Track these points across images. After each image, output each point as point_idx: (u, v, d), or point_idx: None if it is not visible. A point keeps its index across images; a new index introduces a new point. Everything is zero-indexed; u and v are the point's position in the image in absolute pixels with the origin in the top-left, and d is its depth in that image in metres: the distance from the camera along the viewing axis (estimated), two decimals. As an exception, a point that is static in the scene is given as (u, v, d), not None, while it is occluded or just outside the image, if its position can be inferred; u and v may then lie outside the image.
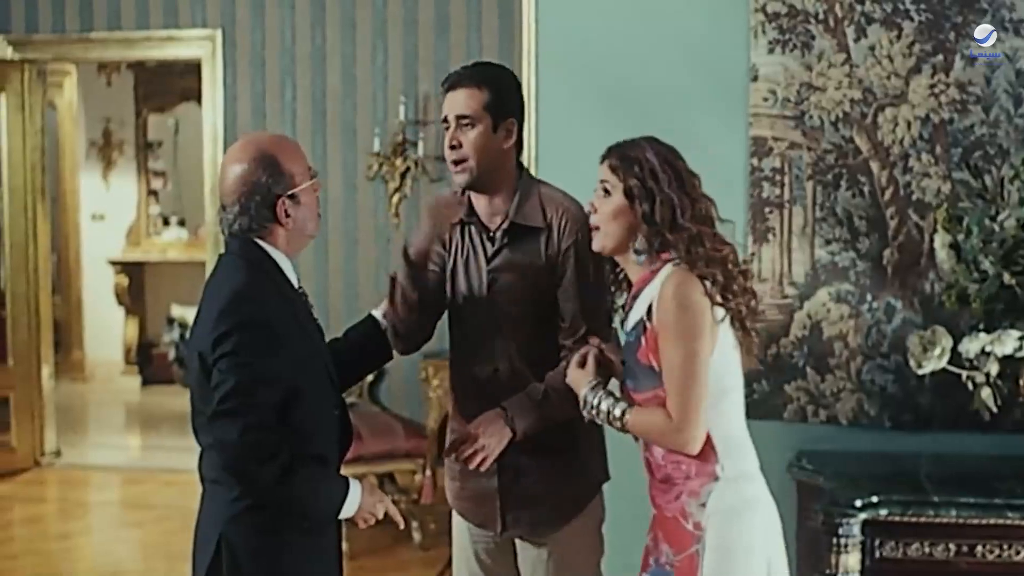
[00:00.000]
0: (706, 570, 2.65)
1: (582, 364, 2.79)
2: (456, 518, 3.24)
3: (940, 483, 3.57)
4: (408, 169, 6.88)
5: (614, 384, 2.81)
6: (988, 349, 3.47)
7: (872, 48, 3.90)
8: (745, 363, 2.77)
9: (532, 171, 3.18)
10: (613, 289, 2.89)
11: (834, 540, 3.41)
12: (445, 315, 3.16)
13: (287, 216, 2.66)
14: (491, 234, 3.03)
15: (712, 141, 3.91)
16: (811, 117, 3.94)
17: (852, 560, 3.41)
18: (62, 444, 7.75)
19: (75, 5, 7.30)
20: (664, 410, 2.64)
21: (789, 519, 3.71)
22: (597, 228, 2.76)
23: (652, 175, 2.67)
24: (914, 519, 3.44)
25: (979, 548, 3.42)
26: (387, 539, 5.84)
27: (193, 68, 7.77)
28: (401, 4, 6.86)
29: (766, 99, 3.97)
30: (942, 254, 3.64)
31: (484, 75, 2.99)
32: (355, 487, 2.67)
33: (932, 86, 3.88)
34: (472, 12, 6.79)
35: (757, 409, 3.95)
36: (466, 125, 2.94)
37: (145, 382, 10.19)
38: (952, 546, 3.43)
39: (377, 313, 3.06)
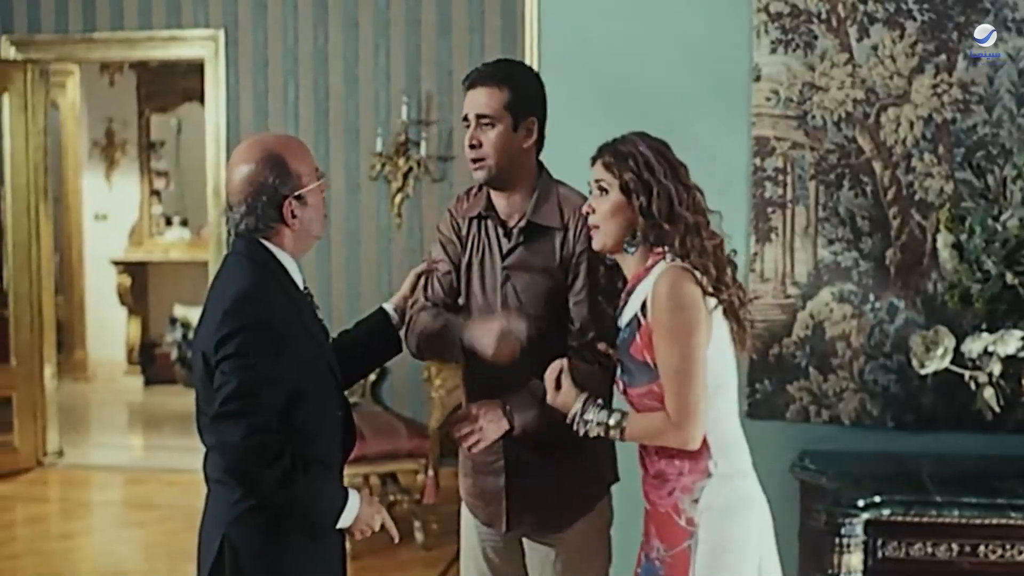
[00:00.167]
0: (698, 566, 2.66)
1: (558, 386, 2.80)
2: (465, 516, 3.24)
3: (943, 483, 3.57)
4: (411, 169, 6.88)
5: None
6: (991, 349, 3.46)
7: (875, 48, 3.90)
8: (738, 354, 2.78)
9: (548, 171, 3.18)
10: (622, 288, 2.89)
11: (837, 540, 3.41)
12: None
13: (293, 217, 2.65)
14: (508, 230, 3.04)
15: (714, 141, 3.91)
16: (814, 117, 3.94)
17: (855, 560, 3.41)
18: (64, 444, 7.76)
19: (78, 5, 7.31)
20: (661, 412, 2.66)
21: (792, 519, 3.72)
22: (596, 227, 2.76)
23: (647, 167, 2.68)
24: (917, 519, 3.43)
25: (982, 548, 3.42)
26: (389, 539, 5.82)
27: (196, 68, 7.78)
28: (403, 4, 6.87)
29: (768, 99, 3.96)
30: (945, 254, 3.64)
31: (505, 74, 2.99)
32: (354, 497, 2.66)
33: (935, 86, 3.87)
34: (474, 12, 6.79)
35: (760, 409, 3.96)
36: (486, 124, 2.95)
37: (148, 382, 10.20)
38: (955, 546, 3.43)
39: (388, 306, 3.06)
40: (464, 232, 3.10)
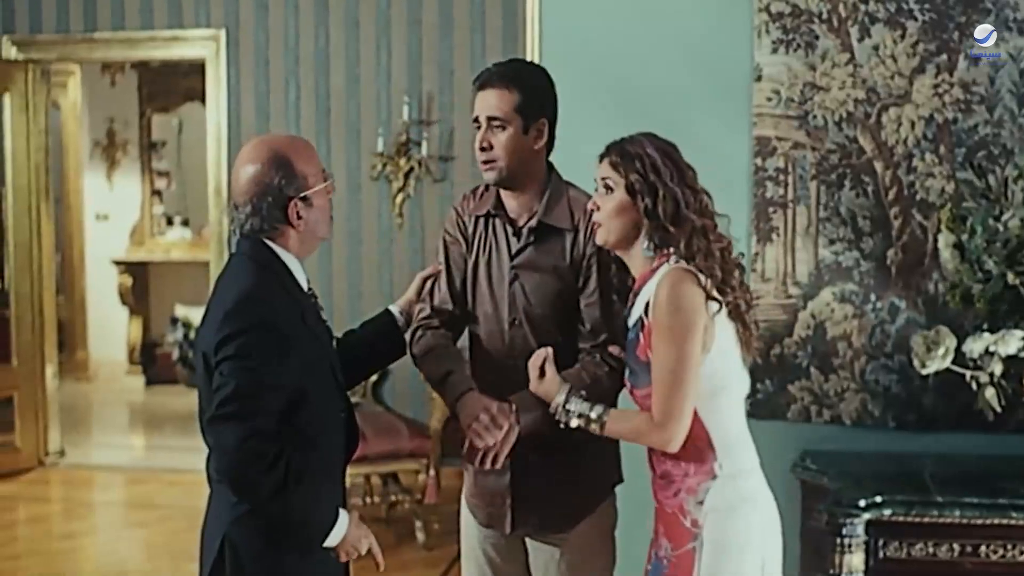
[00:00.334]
0: (703, 567, 2.67)
1: (542, 375, 2.80)
2: (465, 517, 3.24)
3: (944, 483, 3.57)
4: (412, 169, 6.88)
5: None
6: (992, 349, 3.46)
7: (876, 48, 3.90)
8: (744, 357, 2.78)
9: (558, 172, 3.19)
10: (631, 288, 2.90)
11: (838, 540, 3.41)
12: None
13: (299, 218, 2.64)
14: (517, 229, 3.04)
15: (716, 141, 3.91)
16: (815, 117, 3.94)
17: (856, 560, 3.41)
18: (66, 444, 7.76)
19: (79, 5, 7.31)
20: (645, 412, 2.67)
21: (793, 519, 3.72)
22: (600, 224, 2.77)
23: (654, 169, 2.68)
24: (918, 519, 3.43)
25: (983, 548, 3.42)
26: (391, 539, 5.85)
27: (197, 68, 7.79)
28: (405, 4, 6.87)
29: (770, 99, 3.96)
30: (946, 254, 3.64)
31: (516, 75, 2.99)
32: (343, 518, 2.64)
33: (936, 86, 3.87)
34: (476, 12, 6.79)
35: (761, 409, 3.96)
36: (497, 126, 2.94)
37: (149, 382, 10.20)
38: (956, 546, 3.43)
39: (394, 309, 3.06)
40: (471, 230, 3.10)
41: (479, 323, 3.10)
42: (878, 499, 3.44)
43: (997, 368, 3.47)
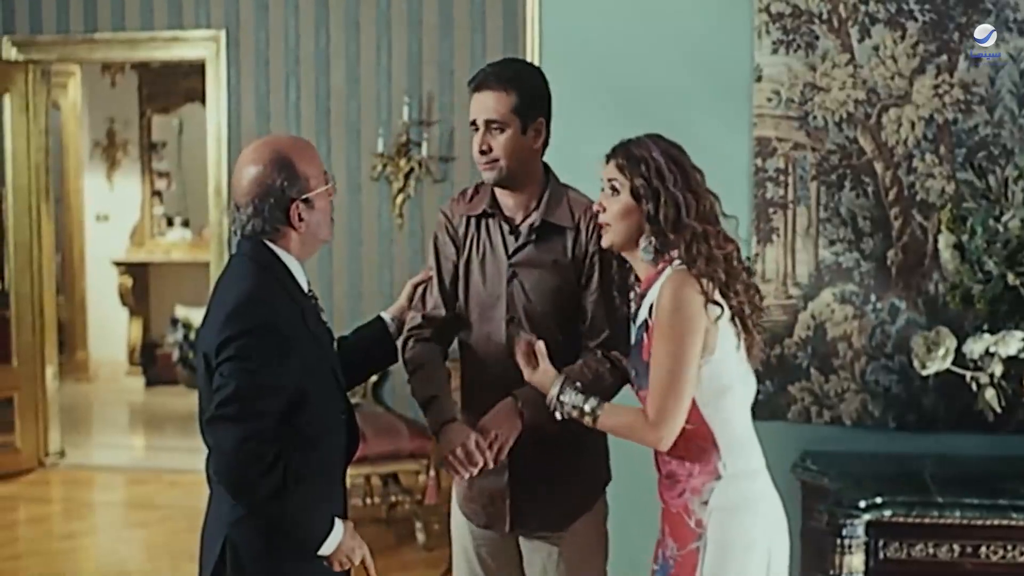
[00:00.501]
0: (706, 567, 2.68)
1: (534, 365, 2.81)
2: (456, 522, 3.24)
3: (944, 484, 3.57)
4: (412, 170, 6.88)
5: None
6: (992, 350, 3.46)
7: (876, 48, 3.90)
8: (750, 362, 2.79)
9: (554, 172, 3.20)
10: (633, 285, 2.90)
11: (838, 541, 3.41)
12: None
13: (300, 220, 2.64)
14: (514, 228, 3.04)
15: (716, 141, 3.91)
16: (815, 117, 3.94)
17: (856, 561, 3.41)
18: (66, 444, 7.76)
19: (79, 6, 7.30)
20: (639, 408, 2.69)
21: (793, 520, 3.69)
22: (607, 226, 2.78)
23: (658, 174, 2.69)
24: (918, 520, 3.43)
25: (983, 549, 3.42)
26: (391, 539, 5.85)
27: (197, 69, 7.78)
28: (405, 5, 6.87)
29: (770, 99, 3.97)
30: (946, 255, 3.64)
31: (512, 76, 2.98)
32: (338, 527, 2.63)
33: (936, 86, 3.87)
34: (476, 13, 6.79)
35: (761, 410, 3.94)
36: (495, 129, 2.95)
37: (149, 383, 10.20)
38: (956, 547, 3.43)
39: (386, 316, 3.07)
40: (462, 232, 3.11)
41: (474, 325, 3.10)
42: (878, 500, 3.44)
43: (997, 369, 3.47)
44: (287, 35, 7.03)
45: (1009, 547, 3.41)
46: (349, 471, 2.82)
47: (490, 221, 3.07)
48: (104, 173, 10.55)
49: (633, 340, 2.80)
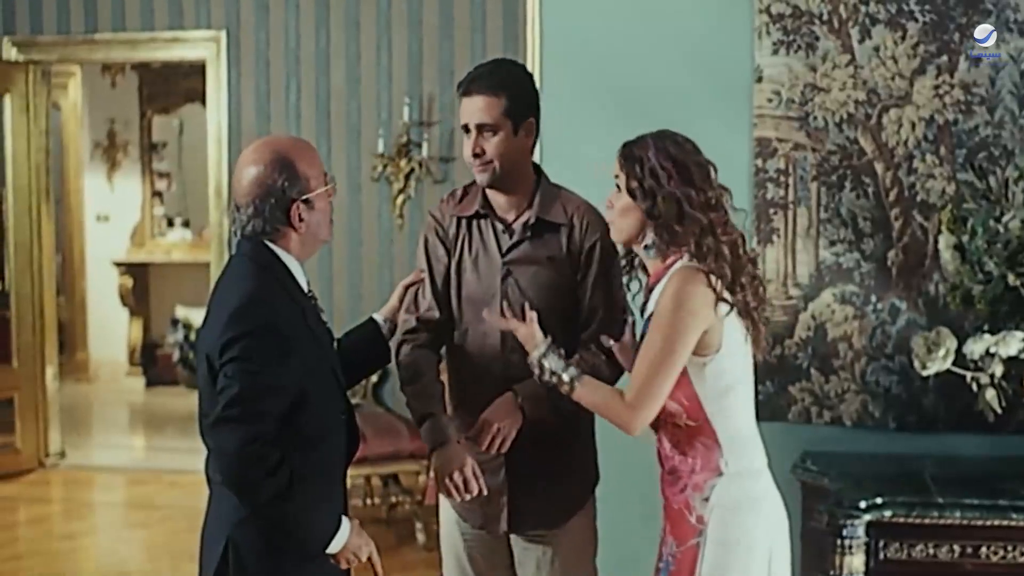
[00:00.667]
0: (706, 564, 2.69)
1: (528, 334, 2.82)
2: (445, 523, 3.26)
3: (944, 484, 3.57)
4: (412, 170, 6.88)
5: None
6: (992, 350, 3.46)
7: (876, 49, 3.90)
8: (756, 354, 2.81)
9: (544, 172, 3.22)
10: (628, 276, 2.92)
11: (838, 541, 3.41)
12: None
13: (300, 220, 2.64)
14: (508, 227, 3.06)
15: (716, 142, 3.86)
16: (815, 118, 3.94)
17: (856, 561, 3.41)
18: (66, 445, 7.76)
19: (80, 6, 7.30)
20: (617, 389, 2.72)
21: (793, 520, 3.70)
22: (612, 222, 2.81)
23: (652, 174, 2.70)
24: (918, 520, 3.43)
25: (983, 549, 3.42)
26: (392, 540, 5.84)
27: (197, 69, 7.78)
28: (405, 5, 6.87)
29: (770, 100, 3.97)
30: (946, 255, 3.64)
31: (501, 79, 3.01)
32: (345, 525, 2.64)
33: (936, 87, 3.87)
34: (476, 13, 6.79)
35: (762, 410, 3.93)
36: (488, 132, 2.97)
37: (149, 383, 10.20)
38: (956, 547, 3.43)
39: (378, 317, 3.07)
40: (453, 232, 3.13)
41: (469, 324, 3.11)
42: (879, 500, 3.44)
43: (998, 369, 3.47)
44: (287, 35, 7.03)
45: (1009, 547, 3.41)
46: (349, 471, 2.82)
47: (482, 221, 3.10)
48: (104, 173, 10.55)
49: (640, 333, 2.81)
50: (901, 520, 3.44)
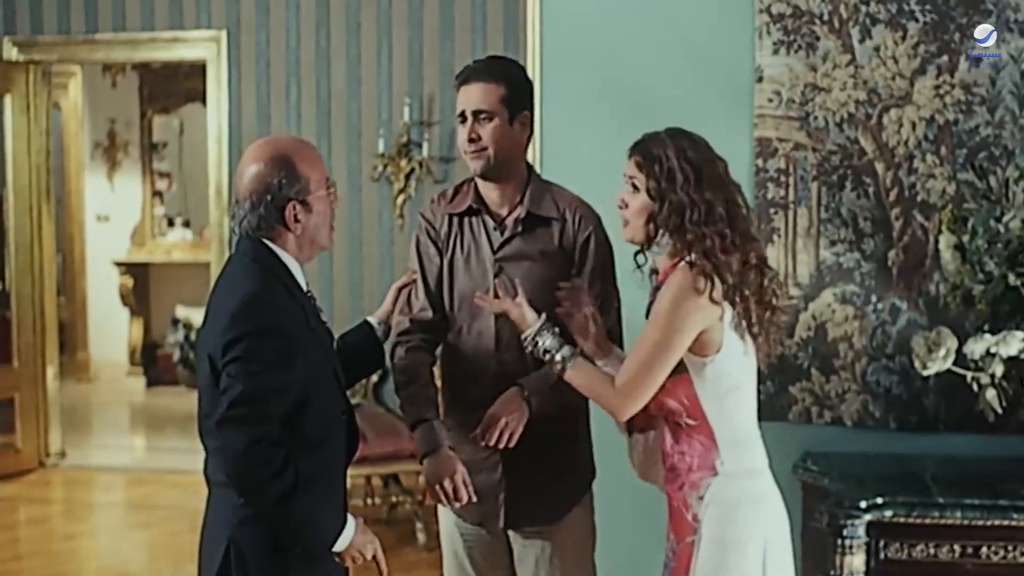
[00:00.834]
0: (699, 562, 2.71)
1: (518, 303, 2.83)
2: (445, 523, 3.27)
3: (945, 484, 3.57)
4: (413, 170, 6.88)
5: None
6: (993, 350, 3.46)
7: (877, 49, 3.90)
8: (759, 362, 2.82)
9: (536, 170, 3.26)
10: (641, 275, 2.93)
11: (839, 541, 3.41)
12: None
13: (296, 221, 2.64)
14: (500, 223, 3.08)
15: (716, 142, 3.86)
16: (816, 118, 3.94)
17: (857, 561, 3.41)
18: (67, 445, 7.77)
19: (80, 6, 7.31)
20: (609, 376, 2.73)
21: (794, 520, 3.70)
22: (627, 221, 2.79)
23: (669, 176, 2.69)
24: (919, 520, 3.43)
25: (984, 549, 3.42)
26: (392, 540, 5.85)
27: (198, 69, 7.80)
28: (406, 5, 6.87)
29: (771, 100, 3.96)
30: (947, 255, 3.64)
31: (498, 69, 3.06)
32: (350, 523, 2.65)
33: (937, 87, 3.87)
34: (477, 13, 6.80)
35: (762, 410, 3.92)
36: (484, 119, 3.01)
37: (150, 383, 10.20)
38: (957, 547, 3.42)
39: (373, 320, 3.08)
40: (445, 231, 3.15)
41: (463, 322, 3.12)
42: (879, 500, 3.44)
43: (998, 369, 3.47)
44: (288, 36, 7.03)
45: (1010, 547, 3.41)
46: (350, 472, 2.83)
47: (473, 219, 3.12)
48: (105, 173, 10.55)
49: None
50: (902, 520, 3.43)
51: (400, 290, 3.11)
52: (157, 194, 10.63)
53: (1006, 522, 3.40)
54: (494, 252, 3.08)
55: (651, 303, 2.82)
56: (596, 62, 4.08)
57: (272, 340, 2.51)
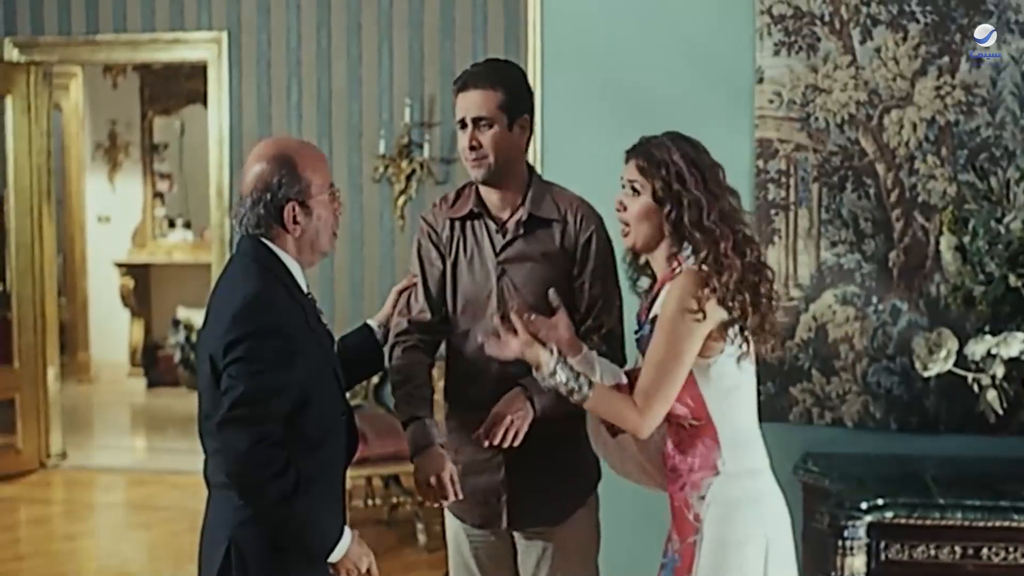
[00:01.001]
0: (701, 561, 2.72)
1: (525, 338, 2.78)
2: (451, 525, 3.26)
3: (946, 485, 3.57)
4: (413, 171, 6.89)
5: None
6: (994, 351, 3.46)
7: (878, 50, 3.90)
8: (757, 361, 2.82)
9: (537, 171, 3.26)
10: (635, 278, 2.92)
11: (840, 542, 3.41)
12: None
13: (295, 222, 2.64)
14: (501, 226, 3.08)
15: (717, 143, 3.86)
16: (816, 119, 3.94)
17: (858, 562, 3.41)
18: (68, 446, 7.77)
19: (81, 7, 7.31)
20: (628, 395, 2.71)
21: (794, 521, 3.70)
22: (627, 226, 2.78)
23: (679, 178, 2.69)
24: (920, 521, 3.43)
25: (985, 550, 3.42)
26: (393, 540, 5.85)
27: (199, 70, 7.80)
28: (407, 6, 6.87)
29: (772, 101, 3.96)
30: (948, 256, 3.64)
31: (497, 75, 3.05)
32: (347, 534, 2.64)
33: (938, 88, 3.87)
34: (478, 14, 6.80)
35: (763, 411, 3.91)
36: (484, 125, 3.01)
37: (150, 384, 10.21)
38: (958, 548, 3.42)
39: (373, 323, 3.08)
40: (446, 235, 3.15)
41: (467, 326, 3.12)
42: (880, 501, 3.43)
43: (999, 370, 3.47)
44: (289, 37, 7.04)
45: (1011, 549, 3.41)
46: (350, 472, 2.83)
47: (475, 222, 3.13)
48: (106, 174, 10.56)
49: (641, 335, 2.82)
50: (902, 521, 3.43)
51: (400, 293, 3.12)
52: (158, 195, 10.64)
53: (1007, 523, 3.40)
54: (496, 255, 3.08)
55: (649, 307, 2.81)
56: (597, 63, 4.08)
57: (273, 340, 2.51)
